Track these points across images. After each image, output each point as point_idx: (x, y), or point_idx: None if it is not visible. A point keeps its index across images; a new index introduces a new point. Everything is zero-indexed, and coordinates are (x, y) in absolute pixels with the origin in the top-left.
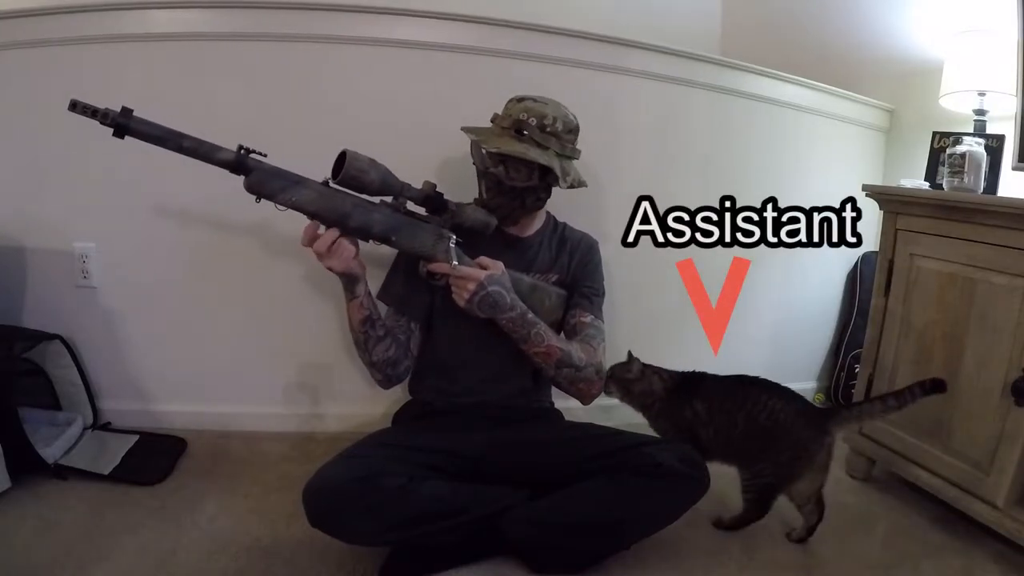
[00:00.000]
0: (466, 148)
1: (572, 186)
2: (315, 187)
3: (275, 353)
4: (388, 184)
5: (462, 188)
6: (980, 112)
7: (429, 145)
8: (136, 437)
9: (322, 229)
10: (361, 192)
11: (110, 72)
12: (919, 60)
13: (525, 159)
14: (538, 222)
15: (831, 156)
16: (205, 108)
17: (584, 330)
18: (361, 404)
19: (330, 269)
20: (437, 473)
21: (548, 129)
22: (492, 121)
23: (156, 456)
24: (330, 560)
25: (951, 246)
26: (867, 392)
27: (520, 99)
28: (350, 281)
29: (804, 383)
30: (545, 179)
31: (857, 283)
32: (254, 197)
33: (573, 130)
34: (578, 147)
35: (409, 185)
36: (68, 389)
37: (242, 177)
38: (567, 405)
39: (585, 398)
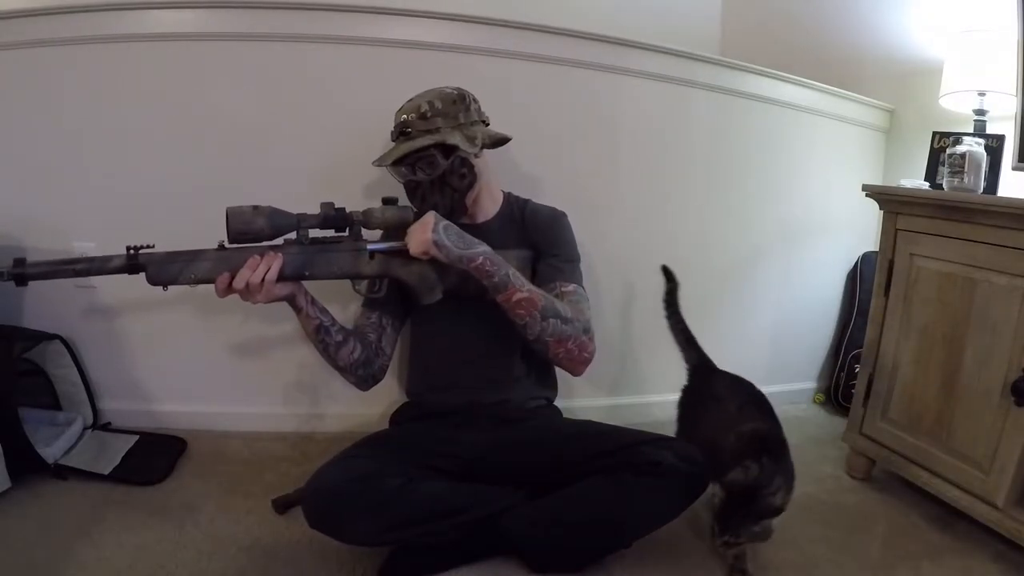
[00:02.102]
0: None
1: (487, 145)
2: (211, 256)
3: (275, 353)
4: (280, 223)
5: None
6: (980, 112)
7: None
8: (136, 437)
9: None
10: (258, 241)
11: (110, 72)
12: (919, 60)
13: (415, 150)
14: (492, 206)
15: (831, 156)
16: (205, 108)
17: (569, 298)
18: (360, 404)
19: (258, 303)
20: (436, 474)
21: (429, 115)
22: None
23: (156, 456)
24: (330, 560)
25: (951, 246)
26: (867, 392)
27: (401, 106)
28: (292, 289)
29: (804, 383)
30: (453, 156)
31: (857, 283)
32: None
33: (457, 100)
34: (480, 114)
35: (305, 215)
36: (68, 389)
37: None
38: (568, 405)
39: (577, 364)
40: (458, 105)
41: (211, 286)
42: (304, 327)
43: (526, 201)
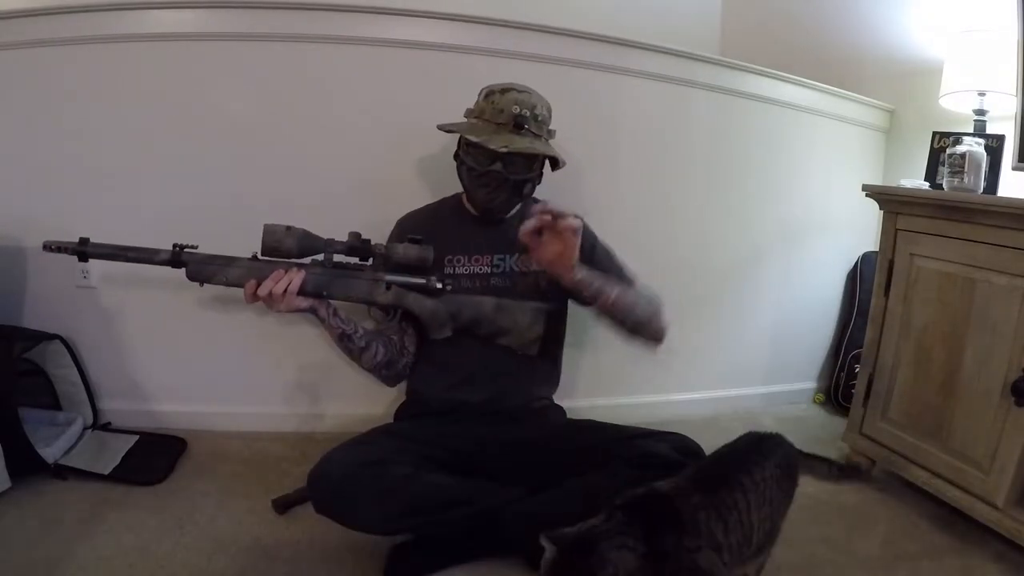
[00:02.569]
0: None
1: (559, 167)
2: (243, 264)
3: (275, 353)
4: (308, 245)
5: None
6: (980, 112)
7: (429, 145)
8: (136, 437)
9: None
10: (287, 258)
11: (110, 72)
12: (919, 60)
13: (536, 153)
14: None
15: (831, 156)
16: (205, 108)
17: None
18: (361, 404)
19: (280, 312)
20: (440, 468)
21: (540, 118)
22: (468, 116)
23: (156, 456)
24: (330, 560)
25: (951, 246)
26: (867, 392)
27: (504, 90)
28: (312, 302)
29: (804, 383)
30: (540, 167)
31: (857, 283)
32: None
33: (550, 111)
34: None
35: (333, 240)
36: (68, 389)
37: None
38: (568, 405)
39: (661, 333)
40: (550, 118)
41: (231, 290)
42: (330, 335)
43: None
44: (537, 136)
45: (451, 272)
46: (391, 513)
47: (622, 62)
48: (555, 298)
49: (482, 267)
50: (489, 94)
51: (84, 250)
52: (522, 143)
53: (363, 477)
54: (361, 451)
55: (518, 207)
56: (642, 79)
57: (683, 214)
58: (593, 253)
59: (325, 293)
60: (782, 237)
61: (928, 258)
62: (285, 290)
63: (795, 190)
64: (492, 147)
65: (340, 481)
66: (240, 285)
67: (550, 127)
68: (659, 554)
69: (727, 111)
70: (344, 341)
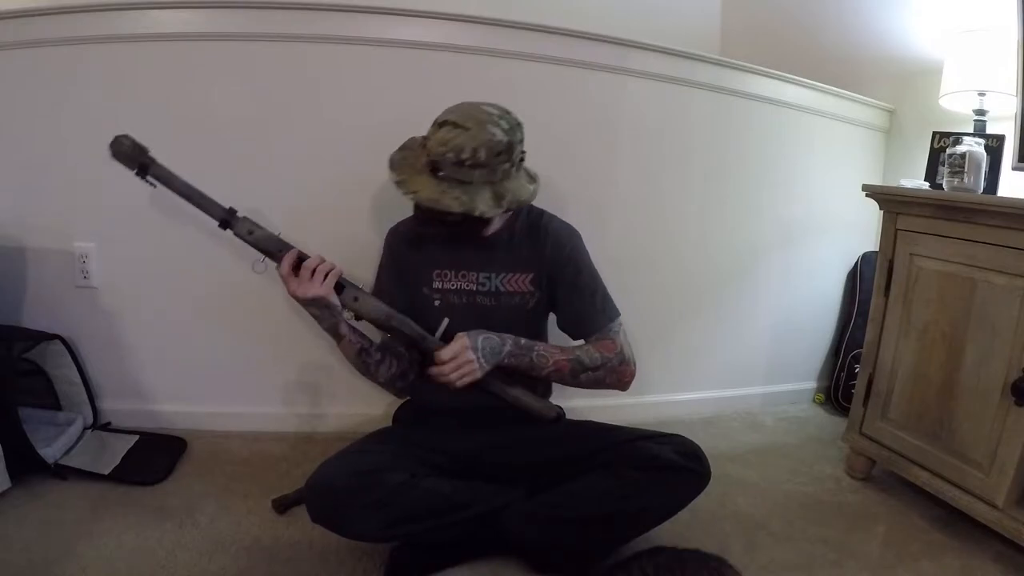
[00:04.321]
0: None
1: (510, 209)
2: (288, 247)
3: (275, 353)
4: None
5: None
6: (980, 112)
7: None
8: (136, 437)
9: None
10: None
11: (110, 72)
12: (919, 60)
13: (437, 210)
14: (500, 218)
15: (831, 156)
16: (205, 108)
17: (600, 338)
18: (360, 404)
19: (305, 299)
20: (438, 471)
21: (468, 163)
22: (412, 144)
23: (156, 456)
24: (330, 560)
25: (951, 246)
26: (867, 392)
27: (441, 123)
28: (329, 320)
29: (804, 383)
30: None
31: (857, 283)
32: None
33: (503, 151)
34: (521, 151)
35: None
36: (68, 389)
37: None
38: (568, 405)
39: (621, 386)
40: (502, 156)
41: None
42: (346, 353)
43: (540, 213)
44: (462, 182)
45: (439, 286)
46: (387, 522)
47: (622, 62)
48: (539, 319)
49: (469, 284)
50: (433, 124)
51: (146, 163)
52: (431, 191)
53: (357, 487)
54: (355, 460)
55: (499, 224)
56: (642, 79)
57: (683, 214)
58: (573, 288)
59: (352, 299)
60: (782, 237)
61: (928, 258)
62: (322, 270)
63: (795, 190)
64: (401, 191)
65: (335, 492)
66: (277, 254)
67: (504, 165)
68: None
69: (727, 111)
70: (363, 356)
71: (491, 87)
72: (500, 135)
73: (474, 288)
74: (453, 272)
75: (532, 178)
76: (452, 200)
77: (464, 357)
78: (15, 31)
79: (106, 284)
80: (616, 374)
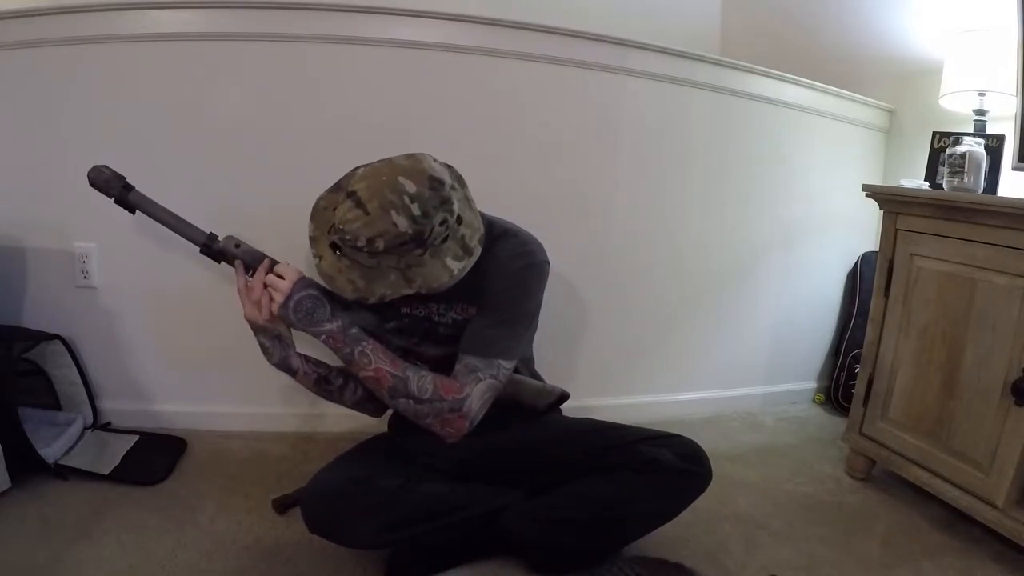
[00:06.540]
0: (468, 149)
1: (421, 288)
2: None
3: None
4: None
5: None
6: (980, 112)
7: (429, 145)
8: (136, 437)
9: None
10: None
11: (110, 72)
12: (919, 60)
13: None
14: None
15: (831, 156)
16: (205, 108)
17: (458, 372)
18: None
19: (254, 326)
20: (434, 474)
21: (365, 250)
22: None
23: (156, 456)
24: (330, 560)
25: (951, 246)
26: (867, 392)
27: (349, 192)
28: (280, 354)
29: (804, 383)
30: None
31: (857, 283)
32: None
33: (408, 242)
34: (437, 237)
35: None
36: (68, 389)
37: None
38: (568, 405)
39: (442, 435)
40: (408, 246)
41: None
42: (304, 385)
43: (502, 233)
44: (363, 265)
45: (407, 312)
46: (385, 527)
47: (622, 62)
48: None
49: (433, 314)
50: (348, 174)
51: (126, 195)
52: (329, 267)
53: (353, 494)
54: (349, 468)
55: (461, 276)
56: (642, 79)
57: (683, 214)
58: (485, 305)
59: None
60: (782, 237)
61: (928, 258)
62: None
63: (795, 190)
64: (312, 248)
65: (330, 501)
66: (254, 264)
67: (411, 252)
68: None
69: (727, 111)
70: (322, 384)
71: (491, 87)
72: (404, 225)
73: (437, 319)
74: (419, 301)
75: (466, 251)
76: (346, 283)
77: (276, 291)
78: (15, 31)
79: (106, 284)
80: (441, 421)
